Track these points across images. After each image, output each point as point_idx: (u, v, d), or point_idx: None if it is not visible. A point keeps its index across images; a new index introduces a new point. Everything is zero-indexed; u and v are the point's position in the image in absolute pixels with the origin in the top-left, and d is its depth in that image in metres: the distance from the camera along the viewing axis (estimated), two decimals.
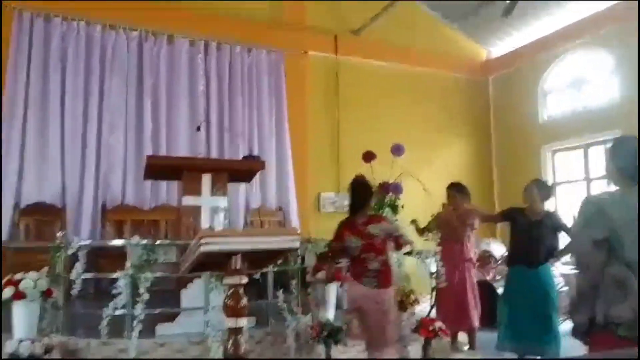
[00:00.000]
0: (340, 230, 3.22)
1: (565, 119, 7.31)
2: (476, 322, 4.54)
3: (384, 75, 7.59)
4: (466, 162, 8.03)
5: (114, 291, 3.35)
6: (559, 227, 3.96)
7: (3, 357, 2.99)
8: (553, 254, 3.95)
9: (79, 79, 5.90)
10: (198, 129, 4.52)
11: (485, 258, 6.32)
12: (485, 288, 5.61)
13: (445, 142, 7.99)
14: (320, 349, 3.98)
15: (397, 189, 4.74)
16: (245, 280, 2.19)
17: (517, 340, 3.86)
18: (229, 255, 2.15)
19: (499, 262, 6.35)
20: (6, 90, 5.59)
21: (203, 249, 1.93)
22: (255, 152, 5.69)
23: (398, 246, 3.35)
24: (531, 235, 3.91)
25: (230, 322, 2.15)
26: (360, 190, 3.28)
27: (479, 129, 8.35)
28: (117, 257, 4.65)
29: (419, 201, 5.05)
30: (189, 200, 3.64)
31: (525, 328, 3.82)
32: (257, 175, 5.79)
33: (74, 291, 3.46)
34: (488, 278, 6.14)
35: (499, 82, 8.40)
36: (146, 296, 3.30)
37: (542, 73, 7.62)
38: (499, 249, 6.56)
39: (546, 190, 4.06)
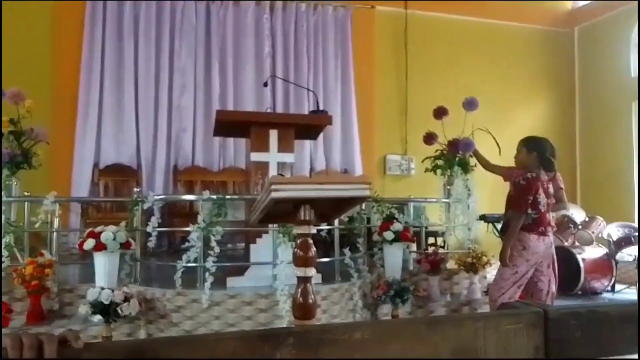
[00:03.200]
0: (536, 183, 3.39)
1: None
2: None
3: (457, 29, 7.19)
4: (547, 122, 7.50)
5: (187, 244, 3.46)
6: None
7: (87, 300, 3.18)
8: None
9: (151, 44, 6.12)
10: (265, 84, 4.53)
11: (564, 223, 5.97)
12: (564, 254, 5.32)
13: (524, 101, 7.50)
14: (386, 308, 3.97)
15: (467, 146, 4.47)
16: (314, 230, 2.15)
17: None
18: (297, 205, 2.11)
19: (579, 227, 5.98)
20: (83, 58, 5.89)
21: (274, 195, 1.89)
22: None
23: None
24: None
25: (300, 272, 2.13)
26: (549, 149, 3.49)
27: (562, 86, 7.76)
28: (189, 216, 4.84)
29: (492, 161, 4.77)
30: (256, 156, 3.65)
31: None
32: (322, 137, 5.75)
33: (150, 244, 3.60)
34: (566, 244, 5.81)
35: (586, 33, 7.70)
36: (217, 249, 3.38)
37: (633, 22, 6.88)
38: (579, 214, 6.16)
39: None
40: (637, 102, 6.35)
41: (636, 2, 6.74)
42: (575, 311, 0.95)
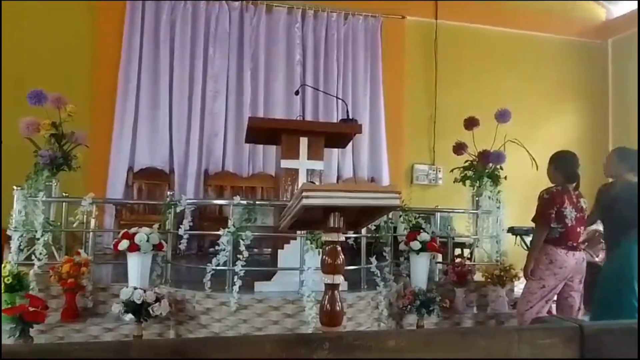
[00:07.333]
0: (560, 197, 3.36)
1: None
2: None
3: (487, 40, 7.15)
4: (580, 134, 7.38)
5: (217, 248, 3.52)
6: None
7: (120, 300, 3.28)
8: None
9: (186, 51, 6.28)
10: (297, 92, 4.61)
11: (595, 238, 5.82)
12: (594, 270, 5.19)
13: (555, 113, 7.39)
14: (412, 318, 3.95)
15: (498, 158, 4.45)
16: (342, 238, 2.17)
17: None
18: (327, 212, 2.15)
19: None
20: (121, 65, 6.08)
21: (305, 202, 1.93)
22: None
23: None
24: None
25: (327, 279, 2.15)
26: (576, 163, 3.48)
27: (595, 99, 7.61)
28: (219, 220, 4.94)
29: (523, 174, 4.72)
30: (287, 163, 3.71)
31: None
32: (350, 145, 5.78)
33: (181, 246, 3.69)
34: (597, 259, 5.67)
35: (619, 45, 7.54)
36: (246, 254, 3.43)
37: None
38: None
39: None
40: None
41: None
42: (610, 328, 0.96)
